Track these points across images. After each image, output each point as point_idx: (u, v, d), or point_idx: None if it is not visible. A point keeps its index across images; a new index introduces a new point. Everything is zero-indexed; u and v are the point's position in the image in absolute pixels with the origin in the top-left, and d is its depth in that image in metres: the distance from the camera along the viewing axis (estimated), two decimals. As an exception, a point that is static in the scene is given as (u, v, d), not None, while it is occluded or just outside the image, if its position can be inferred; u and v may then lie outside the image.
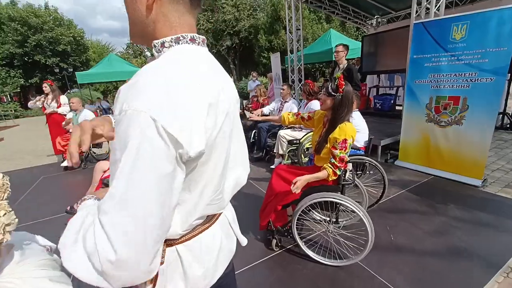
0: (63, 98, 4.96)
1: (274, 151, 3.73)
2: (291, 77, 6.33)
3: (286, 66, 6.93)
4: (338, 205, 1.73)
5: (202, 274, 0.66)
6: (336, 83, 1.70)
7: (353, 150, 2.38)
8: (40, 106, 4.93)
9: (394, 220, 2.36)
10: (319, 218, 1.85)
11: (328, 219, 1.86)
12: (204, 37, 0.66)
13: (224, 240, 0.74)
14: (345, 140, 1.65)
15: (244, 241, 0.87)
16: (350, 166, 1.80)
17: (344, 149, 1.65)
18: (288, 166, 2.11)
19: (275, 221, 2.01)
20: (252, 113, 2.44)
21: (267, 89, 7.54)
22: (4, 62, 18.77)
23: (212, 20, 16.99)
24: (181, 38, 0.58)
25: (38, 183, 4.11)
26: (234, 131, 0.70)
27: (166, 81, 0.48)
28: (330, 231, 1.84)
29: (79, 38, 22.35)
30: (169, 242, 0.61)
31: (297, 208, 1.82)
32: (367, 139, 2.57)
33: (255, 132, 4.56)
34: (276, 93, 6.72)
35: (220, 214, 0.74)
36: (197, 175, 0.57)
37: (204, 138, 0.51)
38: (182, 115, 0.47)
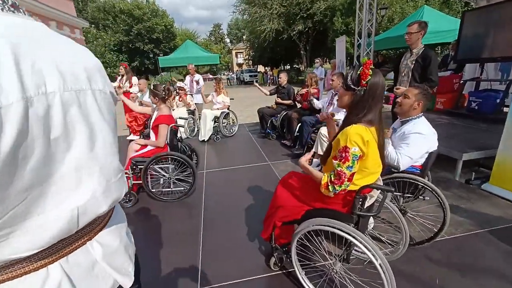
0: (135, 79, 5.62)
1: (313, 150, 3.25)
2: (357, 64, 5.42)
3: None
4: (349, 241, 1.27)
5: None
6: (358, 72, 1.19)
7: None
8: (116, 85, 5.74)
9: (451, 270, 1.67)
10: (325, 249, 1.43)
11: (336, 253, 1.41)
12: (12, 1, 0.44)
13: (69, 285, 0.52)
14: (345, 148, 1.16)
15: (126, 284, 0.64)
16: (375, 192, 1.28)
17: (342, 160, 1.16)
18: (299, 174, 1.70)
19: (278, 237, 1.69)
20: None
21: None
22: (115, 48, 23.07)
23: (285, 4, 16.29)
24: None
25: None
26: (68, 142, 0.48)
27: None
28: (336, 271, 1.40)
29: (169, 26, 25.31)
30: None
31: (297, 230, 1.45)
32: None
33: (300, 125, 4.11)
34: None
35: (67, 251, 0.53)
36: None
37: None
38: None
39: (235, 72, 38.13)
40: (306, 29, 17.23)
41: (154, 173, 2.69)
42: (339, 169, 1.18)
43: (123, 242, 0.67)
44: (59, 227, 0.49)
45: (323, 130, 3.04)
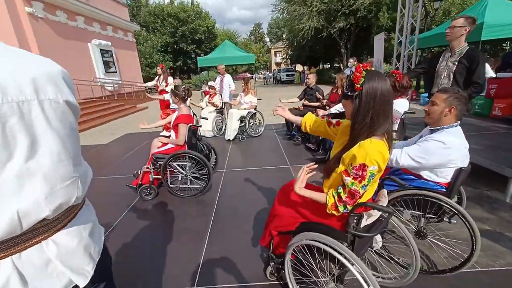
0: (170, 79, 5.99)
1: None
2: (396, 64, 4.93)
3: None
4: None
5: None
6: (351, 77, 1.07)
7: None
8: (154, 84, 6.18)
9: (477, 310, 1.42)
10: (317, 266, 1.33)
11: (330, 272, 1.30)
12: None
13: (19, 279, 0.58)
14: (362, 166, 1.04)
15: (81, 283, 0.68)
16: (375, 213, 1.14)
17: (359, 179, 1.06)
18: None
19: (277, 246, 1.63)
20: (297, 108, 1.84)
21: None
22: (162, 49, 24.88)
23: (326, 0, 15.64)
24: None
25: (142, 145, 5.24)
26: (9, 151, 0.52)
27: None
28: (327, 291, 1.30)
29: (211, 27, 26.34)
30: None
31: (290, 242, 1.38)
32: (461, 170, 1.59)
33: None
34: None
35: (20, 248, 0.58)
36: None
37: None
38: None
39: (272, 71, 38.12)
40: (348, 26, 16.33)
41: (173, 169, 2.83)
42: (353, 188, 1.08)
43: (82, 243, 0.71)
44: (0, 227, 0.53)
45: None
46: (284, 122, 5.20)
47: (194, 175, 2.86)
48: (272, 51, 51.33)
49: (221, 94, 5.88)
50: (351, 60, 6.86)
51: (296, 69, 34.13)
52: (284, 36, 33.35)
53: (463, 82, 2.30)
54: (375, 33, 14.85)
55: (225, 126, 5.53)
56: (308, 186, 1.52)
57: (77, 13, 10.94)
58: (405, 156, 1.57)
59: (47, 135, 0.57)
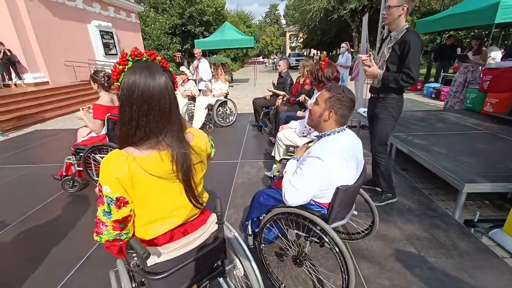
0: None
1: (272, 154, 2.79)
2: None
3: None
4: None
5: None
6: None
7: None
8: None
9: None
10: None
11: None
12: None
13: None
14: (99, 185, 0.78)
15: None
16: (172, 247, 0.87)
17: (98, 202, 0.80)
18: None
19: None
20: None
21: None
22: (170, 31, 24.49)
23: (338, -22, 14.45)
24: None
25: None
26: None
27: None
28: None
29: (220, 8, 25.44)
30: None
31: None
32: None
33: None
34: (361, 74, 5.00)
35: None
36: None
37: None
38: None
39: (283, 55, 36.84)
40: (360, 7, 15.08)
41: (95, 162, 2.67)
42: (97, 213, 0.83)
43: None
44: None
45: (280, 134, 2.52)
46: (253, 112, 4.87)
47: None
48: (287, 34, 49.37)
49: (195, 80, 5.60)
50: (343, 45, 6.29)
51: (310, 54, 32.80)
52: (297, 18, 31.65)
53: (396, 72, 1.89)
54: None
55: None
56: None
57: (75, -7, 10.80)
58: (291, 190, 1.21)
59: None
